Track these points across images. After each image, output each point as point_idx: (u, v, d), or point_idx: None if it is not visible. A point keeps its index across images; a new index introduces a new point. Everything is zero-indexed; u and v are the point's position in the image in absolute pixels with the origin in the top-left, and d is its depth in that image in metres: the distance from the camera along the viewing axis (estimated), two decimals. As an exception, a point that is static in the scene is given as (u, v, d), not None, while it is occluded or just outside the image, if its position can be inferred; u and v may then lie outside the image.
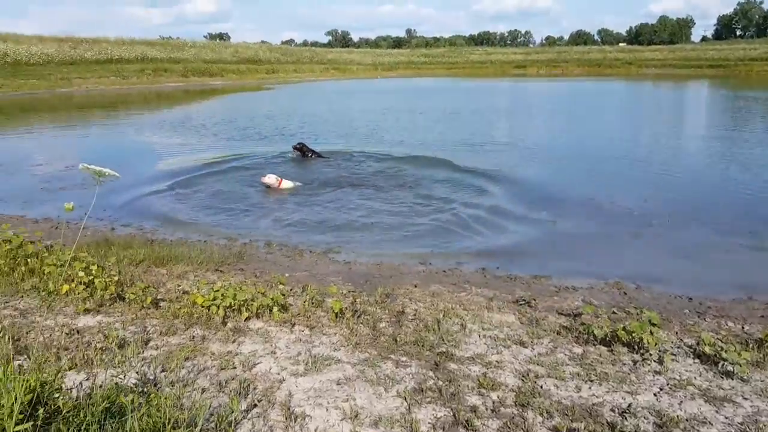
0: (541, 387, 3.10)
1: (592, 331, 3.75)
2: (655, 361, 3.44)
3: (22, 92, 33.54)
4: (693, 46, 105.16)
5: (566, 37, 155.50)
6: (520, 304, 4.52)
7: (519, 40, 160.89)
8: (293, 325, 3.81)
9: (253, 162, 11.85)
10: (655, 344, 3.54)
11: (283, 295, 4.08)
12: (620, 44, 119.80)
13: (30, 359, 2.98)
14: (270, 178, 9.24)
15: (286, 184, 9.40)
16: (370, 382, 3.07)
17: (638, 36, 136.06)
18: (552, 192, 9.30)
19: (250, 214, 8.03)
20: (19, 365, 2.82)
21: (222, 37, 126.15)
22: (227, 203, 8.55)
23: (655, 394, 3.06)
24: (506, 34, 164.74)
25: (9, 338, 3.25)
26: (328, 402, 2.85)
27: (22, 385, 2.27)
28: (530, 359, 3.46)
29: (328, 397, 2.90)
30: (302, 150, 11.99)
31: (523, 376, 3.22)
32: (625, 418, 2.80)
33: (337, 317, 3.90)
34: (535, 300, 4.60)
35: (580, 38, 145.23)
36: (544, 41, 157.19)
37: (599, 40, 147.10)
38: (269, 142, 14.78)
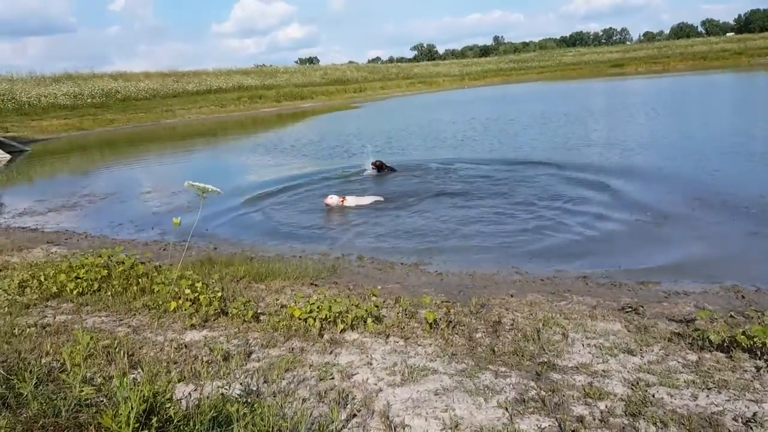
0: (653, 396, 2.88)
1: (708, 337, 3.44)
2: (782, 367, 3.09)
3: (132, 125, 36.36)
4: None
5: (666, 31, 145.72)
6: (627, 312, 4.24)
7: (615, 38, 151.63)
8: (388, 336, 3.81)
9: (335, 177, 12.21)
10: (782, 349, 3.18)
11: (377, 306, 4.11)
12: (728, 34, 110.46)
13: (143, 372, 3.19)
14: (332, 199, 9.28)
15: (351, 201, 9.36)
16: (469, 392, 3.00)
17: (748, 23, 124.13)
18: (656, 193, 8.70)
19: (339, 229, 8.22)
20: (133, 378, 3.04)
21: (311, 60, 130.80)
22: (316, 219, 8.82)
23: (784, 402, 2.74)
24: (600, 33, 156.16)
25: (124, 353, 3.51)
26: (427, 412, 2.81)
27: (137, 396, 2.43)
28: (640, 367, 3.22)
29: (426, 407, 2.86)
30: (380, 167, 12.08)
31: (632, 385, 3.00)
32: (750, 428, 2.54)
33: (431, 328, 3.86)
34: (642, 307, 4.30)
35: (682, 31, 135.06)
36: (642, 37, 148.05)
37: (704, 31, 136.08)
38: (356, 159, 15.09)
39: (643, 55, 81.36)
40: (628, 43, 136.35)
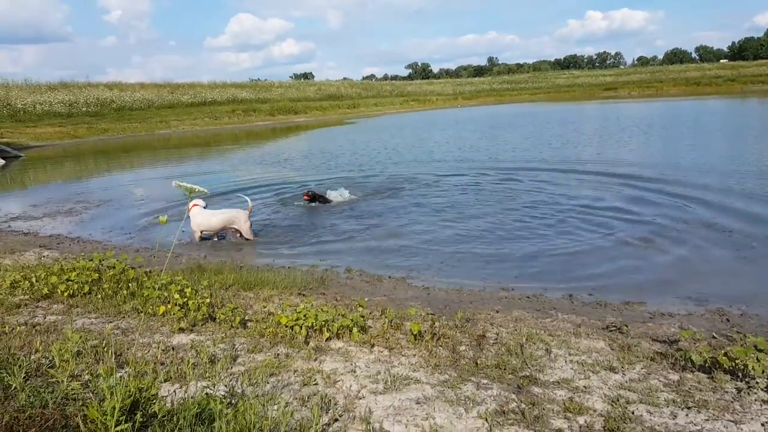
0: (633, 413, 2.93)
1: (690, 357, 3.49)
2: (762, 389, 3.14)
3: (126, 135, 36.28)
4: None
5: (660, 56, 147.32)
6: (611, 330, 4.30)
7: (609, 62, 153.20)
8: (372, 345, 3.85)
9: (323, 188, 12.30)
10: (762, 371, 3.23)
11: (363, 317, 4.15)
12: (721, 61, 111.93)
13: (130, 369, 3.22)
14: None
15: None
16: (450, 402, 3.03)
17: (742, 51, 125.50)
18: (645, 214, 8.82)
19: (327, 239, 8.31)
20: (120, 376, 3.06)
21: (306, 76, 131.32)
22: (305, 230, 8.91)
23: (762, 425, 2.80)
24: (594, 57, 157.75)
25: (112, 353, 3.54)
26: (407, 420, 2.84)
27: (123, 390, 2.47)
28: (621, 385, 3.27)
29: (407, 415, 2.90)
30: (312, 197, 10.77)
31: (612, 402, 3.05)
32: (729, 448, 2.58)
33: (416, 339, 3.90)
34: (626, 326, 4.36)
35: (676, 57, 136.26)
36: (636, 62, 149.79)
37: (697, 57, 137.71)
38: (342, 171, 15.23)
39: (637, 79, 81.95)
40: (622, 67, 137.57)
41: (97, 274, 5.24)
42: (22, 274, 5.39)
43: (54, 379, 3.06)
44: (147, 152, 26.51)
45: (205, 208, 8.28)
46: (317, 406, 2.92)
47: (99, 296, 4.92)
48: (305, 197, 10.71)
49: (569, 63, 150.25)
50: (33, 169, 21.39)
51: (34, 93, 41.57)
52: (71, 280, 5.10)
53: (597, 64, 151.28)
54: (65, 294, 4.94)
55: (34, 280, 5.18)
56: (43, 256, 7.06)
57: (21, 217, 11.06)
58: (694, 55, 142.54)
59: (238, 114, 47.84)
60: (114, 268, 5.37)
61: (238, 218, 8.25)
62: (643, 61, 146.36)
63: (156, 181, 16.16)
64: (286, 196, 11.91)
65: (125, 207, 11.75)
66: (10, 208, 12.11)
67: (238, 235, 8.38)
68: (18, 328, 4.08)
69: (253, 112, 49.23)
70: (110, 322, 4.37)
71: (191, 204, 8.11)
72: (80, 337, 3.58)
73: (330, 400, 3.03)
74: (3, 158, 23.25)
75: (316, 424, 2.65)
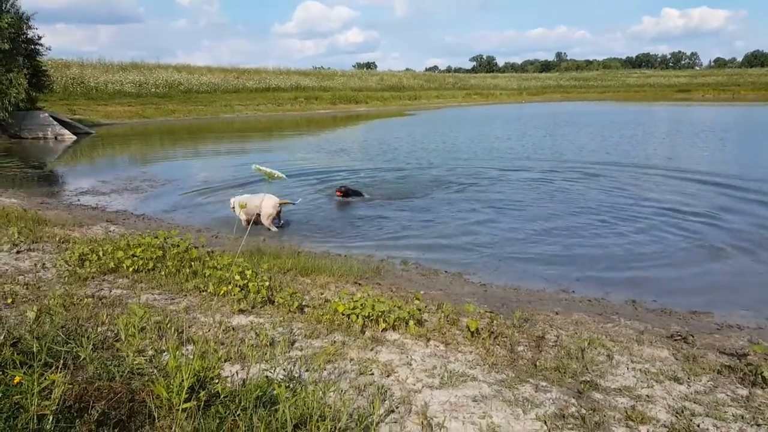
0: (698, 426, 2.81)
1: (762, 373, 3.33)
2: (839, 410, 2.96)
3: (191, 117, 37.54)
4: None
5: (740, 59, 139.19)
6: (675, 340, 4.13)
7: (683, 62, 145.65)
8: (428, 339, 3.84)
9: (380, 180, 12.30)
10: (839, 393, 3.04)
11: (419, 310, 4.14)
12: None
13: (194, 348, 3.31)
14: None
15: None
16: (508, 402, 2.99)
17: None
18: (718, 220, 8.45)
19: (382, 230, 8.34)
20: (184, 354, 3.16)
21: (369, 65, 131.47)
22: (358, 220, 8.95)
23: (838, 448, 2.63)
24: (668, 56, 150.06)
25: (175, 330, 3.65)
26: (464, 417, 2.82)
27: (189, 369, 2.53)
28: (685, 396, 3.14)
29: (464, 411, 2.87)
30: (345, 193, 10.52)
31: (677, 413, 2.93)
32: (804, 470, 2.44)
33: (473, 336, 3.86)
34: (692, 336, 4.18)
35: (757, 59, 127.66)
36: (712, 63, 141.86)
37: None
38: (400, 163, 15.18)
39: (712, 81, 78.29)
40: (697, 68, 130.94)
41: (161, 252, 5.41)
42: (90, 247, 5.58)
43: (120, 353, 3.17)
44: (211, 135, 27.33)
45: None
46: (375, 396, 2.94)
47: (162, 273, 5.07)
48: (338, 194, 10.43)
49: (641, 62, 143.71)
50: (102, 145, 22.44)
51: (107, 72, 43.49)
52: (136, 256, 5.27)
53: (671, 64, 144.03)
54: (130, 269, 5.12)
55: (101, 253, 5.36)
56: (110, 231, 7.35)
57: (89, 191, 11.63)
58: None
59: (300, 101, 48.51)
60: (178, 246, 5.54)
61: (265, 205, 8.16)
62: (720, 63, 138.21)
63: (219, 164, 16.62)
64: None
65: (189, 187, 12.10)
66: (80, 183, 12.76)
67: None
68: (85, 300, 4.24)
69: (315, 100, 49.83)
70: (173, 299, 4.50)
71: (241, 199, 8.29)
72: (144, 312, 3.68)
73: (386, 391, 3.04)
74: (75, 134, 24.51)
75: (374, 414, 2.66)
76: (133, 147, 22.44)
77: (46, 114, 24.84)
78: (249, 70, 56.49)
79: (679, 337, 4.16)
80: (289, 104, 47.11)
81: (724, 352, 3.91)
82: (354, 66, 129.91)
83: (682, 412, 2.95)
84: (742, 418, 2.91)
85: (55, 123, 24.39)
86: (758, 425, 2.83)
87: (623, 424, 2.81)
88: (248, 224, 8.14)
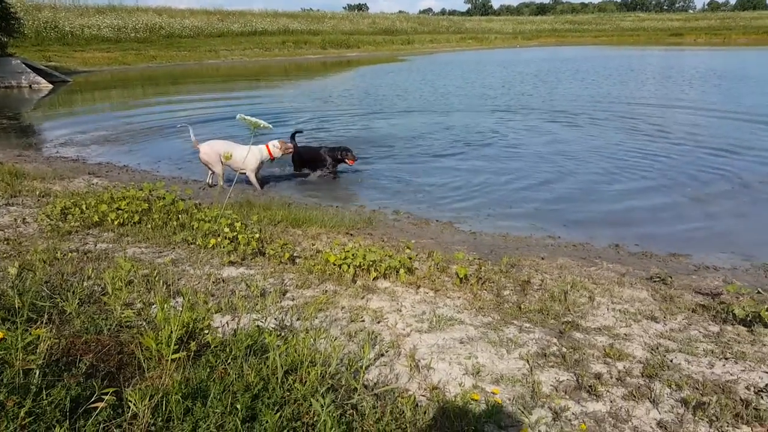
0: (671, 361, 2.97)
1: (732, 311, 3.51)
2: (803, 344, 3.15)
3: (174, 63, 36.31)
4: None
5: (733, 1, 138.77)
6: (654, 281, 4.29)
7: (677, 5, 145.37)
8: (418, 287, 3.95)
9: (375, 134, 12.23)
10: (804, 327, 3.24)
11: (410, 258, 4.22)
12: None
13: (183, 300, 3.37)
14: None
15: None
16: (493, 343, 3.13)
17: None
18: (696, 167, 8.59)
19: (374, 179, 8.35)
20: (173, 306, 3.22)
21: (360, 7, 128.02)
22: (348, 169, 8.87)
23: (800, 378, 2.82)
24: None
25: (163, 282, 3.67)
26: (451, 358, 2.96)
27: (178, 321, 2.59)
28: (661, 334, 3.31)
29: (451, 353, 3.01)
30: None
31: (652, 350, 3.10)
32: (762, 397, 2.63)
33: (461, 282, 3.98)
34: (670, 278, 4.34)
35: (749, 2, 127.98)
36: (706, 6, 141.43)
37: None
38: (395, 111, 15.05)
39: (705, 26, 78.45)
40: (691, 11, 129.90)
41: (147, 204, 5.34)
42: (72, 200, 5.46)
43: (107, 307, 3.19)
44: (195, 82, 26.68)
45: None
46: (365, 341, 3.06)
47: (149, 226, 5.01)
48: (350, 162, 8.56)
49: (636, 5, 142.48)
50: (80, 94, 21.84)
51: (82, 16, 41.73)
52: (121, 209, 5.18)
53: (665, 7, 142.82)
54: (115, 222, 5.04)
55: (84, 207, 5.24)
56: (93, 184, 7.23)
57: (69, 143, 11.35)
58: None
59: (289, 46, 47.20)
60: (164, 198, 5.46)
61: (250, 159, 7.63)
62: (713, 6, 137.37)
63: (205, 112, 16.25)
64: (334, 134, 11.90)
65: (174, 137, 11.85)
66: (59, 134, 12.40)
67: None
68: (70, 254, 4.18)
69: (304, 45, 48.50)
70: (160, 252, 4.50)
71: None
72: (132, 265, 3.67)
73: (377, 337, 3.16)
74: (51, 82, 23.77)
75: (364, 358, 2.78)
76: (113, 95, 21.88)
77: (19, 61, 23.86)
78: (234, 13, 54.58)
79: (658, 279, 4.32)
80: (277, 49, 45.80)
81: (700, 292, 4.08)
82: (344, 8, 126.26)
83: (657, 348, 3.11)
84: (712, 352, 3.08)
85: (30, 71, 23.51)
86: (726, 359, 3.00)
87: (601, 361, 2.96)
88: (221, 178, 7.77)
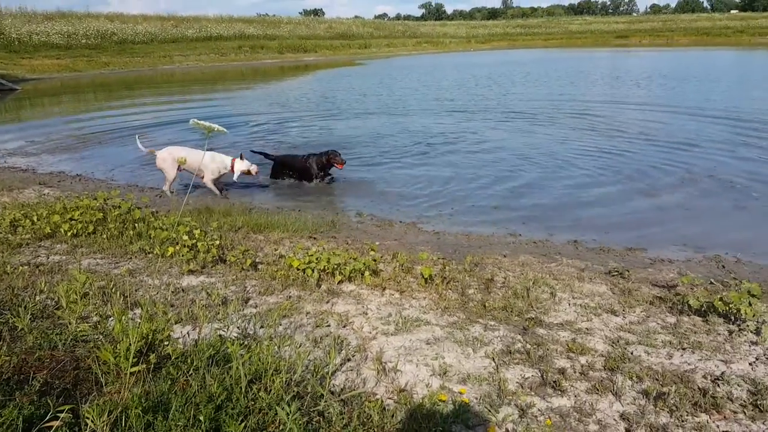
0: (632, 353, 3.05)
1: (687, 302, 3.63)
2: (752, 331, 3.29)
3: (128, 69, 35.54)
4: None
5: (673, 5, 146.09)
6: (613, 275, 4.39)
7: (622, 9, 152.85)
8: (384, 288, 3.93)
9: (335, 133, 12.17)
10: (753, 315, 3.39)
11: (375, 260, 4.21)
12: (732, 11, 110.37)
13: (141, 312, 3.27)
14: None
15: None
16: (459, 342, 3.14)
17: (753, 2, 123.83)
18: (649, 163, 8.87)
19: (336, 184, 8.29)
20: (131, 318, 3.13)
21: (316, 12, 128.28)
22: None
23: (750, 364, 2.94)
24: (608, 3, 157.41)
25: (120, 294, 3.56)
26: (418, 359, 2.95)
27: (136, 333, 2.51)
28: (621, 327, 3.39)
29: (418, 354, 3.00)
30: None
31: (613, 343, 3.17)
32: (718, 385, 2.72)
33: (426, 282, 3.99)
34: (628, 271, 4.45)
35: (689, 5, 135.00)
36: (648, 9, 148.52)
37: (709, 7, 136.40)
38: (354, 117, 15.03)
39: (648, 28, 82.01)
40: (635, 14, 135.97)
41: (101, 214, 5.19)
42: (22, 212, 5.29)
43: (62, 321, 3.08)
44: (150, 88, 26.04)
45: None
46: (331, 347, 3.03)
47: (104, 236, 4.86)
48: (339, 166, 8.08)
49: (583, 9, 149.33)
50: (30, 102, 21.07)
51: (30, 22, 40.25)
52: (75, 220, 5.03)
53: (610, 10, 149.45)
54: (69, 234, 4.88)
55: (35, 218, 5.07)
56: (44, 194, 6.99)
57: (18, 152, 10.91)
58: (706, 4, 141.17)
59: (245, 51, 46.75)
60: (119, 207, 5.33)
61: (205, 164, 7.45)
62: (655, 9, 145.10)
63: (160, 119, 15.88)
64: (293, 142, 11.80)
65: (128, 145, 11.50)
66: (7, 144, 11.88)
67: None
68: (21, 268, 4.03)
69: (261, 49, 48.12)
70: (117, 263, 4.37)
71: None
72: (87, 278, 3.55)
73: (343, 341, 3.13)
74: (-2, 91, 22.89)
75: (330, 364, 2.75)
76: (64, 103, 21.15)
77: (-36, 69, 23.00)
78: (188, 18, 53.68)
79: (616, 273, 4.42)
80: (233, 54, 45.32)
81: (656, 285, 4.20)
82: (301, 13, 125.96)
83: (618, 341, 3.18)
84: (670, 343, 3.17)
85: (-25, 79, 22.67)
86: (683, 349, 3.09)
87: (564, 356, 3.01)
88: (172, 184, 7.55)
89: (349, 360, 2.94)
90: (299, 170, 8.22)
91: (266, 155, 8.54)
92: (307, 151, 8.51)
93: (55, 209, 5.26)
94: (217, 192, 7.66)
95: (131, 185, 8.21)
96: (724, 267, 4.85)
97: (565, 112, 14.88)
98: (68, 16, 44.49)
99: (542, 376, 2.80)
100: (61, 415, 2.01)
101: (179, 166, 7.35)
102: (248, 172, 7.56)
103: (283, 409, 2.15)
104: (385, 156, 9.96)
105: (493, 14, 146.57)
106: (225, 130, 2.78)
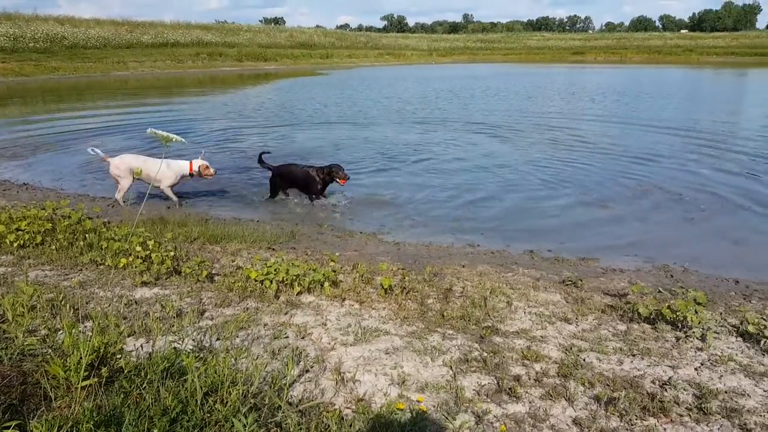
0: (584, 360, 3.14)
1: (637, 310, 3.76)
2: (697, 338, 3.43)
3: (78, 75, 34.51)
4: (758, 33, 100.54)
5: (627, 23, 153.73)
6: (567, 284, 4.52)
7: (578, 26, 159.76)
8: (344, 299, 3.93)
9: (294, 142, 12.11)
10: (699, 322, 3.53)
11: (334, 271, 4.20)
12: (682, 31, 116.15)
13: (92, 324, 3.17)
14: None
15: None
16: (417, 352, 3.17)
17: (701, 22, 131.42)
18: (603, 176, 9.21)
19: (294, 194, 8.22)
20: (82, 331, 3.02)
21: (277, 21, 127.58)
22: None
23: (696, 369, 3.08)
24: (565, 20, 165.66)
25: (70, 307, 3.44)
26: (377, 369, 2.96)
27: (87, 346, 2.44)
28: (574, 335, 3.49)
29: (376, 364, 3.01)
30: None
31: (566, 350, 3.25)
32: (665, 390, 2.83)
33: (386, 293, 4.00)
34: (581, 281, 4.58)
35: (641, 24, 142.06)
36: (603, 27, 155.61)
37: (661, 26, 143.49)
38: (319, 126, 15.00)
39: (603, 45, 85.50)
40: (590, 31, 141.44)
41: (50, 224, 5.01)
42: None
43: (7, 335, 2.95)
44: (102, 94, 25.34)
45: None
46: (289, 358, 3.00)
47: (53, 247, 4.69)
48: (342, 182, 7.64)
49: (541, 25, 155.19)
50: (-27, 109, 20.15)
51: (-29, 24, 38.69)
52: (21, 230, 4.83)
53: (567, 27, 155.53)
54: (15, 245, 4.69)
55: None
56: (-12, 204, 6.72)
57: (-39, 161, 10.44)
58: (657, 23, 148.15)
59: (203, 58, 46.08)
60: (69, 217, 5.15)
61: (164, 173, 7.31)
62: (610, 27, 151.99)
63: (112, 126, 15.45)
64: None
65: (78, 153, 11.09)
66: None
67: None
68: None
69: (219, 57, 47.54)
70: (66, 275, 4.22)
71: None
72: (34, 290, 3.41)
73: (301, 353, 3.10)
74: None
75: (288, 375, 2.73)
76: (9, 108, 20.35)
77: None
78: (144, 24, 52.54)
79: (570, 282, 4.55)
80: (190, 61, 44.59)
81: (608, 293, 4.34)
82: (261, 21, 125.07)
83: (571, 348, 3.27)
84: (621, 350, 3.28)
85: None
86: (633, 355, 3.21)
87: (519, 363, 3.07)
88: (125, 192, 7.34)
89: (307, 371, 2.92)
90: (302, 182, 7.66)
91: (269, 167, 7.93)
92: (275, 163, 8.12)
93: (0, 219, 5.03)
94: (175, 199, 7.51)
95: (82, 194, 7.96)
96: (672, 276, 5.06)
97: (524, 126, 15.28)
98: (14, 18, 42.93)
99: (498, 383, 2.85)
100: (8, 431, 1.93)
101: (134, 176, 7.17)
102: (206, 168, 7.49)
103: (239, 420, 2.12)
104: (344, 166, 9.95)
105: (454, 28, 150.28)
106: (182, 139, 2.75)
